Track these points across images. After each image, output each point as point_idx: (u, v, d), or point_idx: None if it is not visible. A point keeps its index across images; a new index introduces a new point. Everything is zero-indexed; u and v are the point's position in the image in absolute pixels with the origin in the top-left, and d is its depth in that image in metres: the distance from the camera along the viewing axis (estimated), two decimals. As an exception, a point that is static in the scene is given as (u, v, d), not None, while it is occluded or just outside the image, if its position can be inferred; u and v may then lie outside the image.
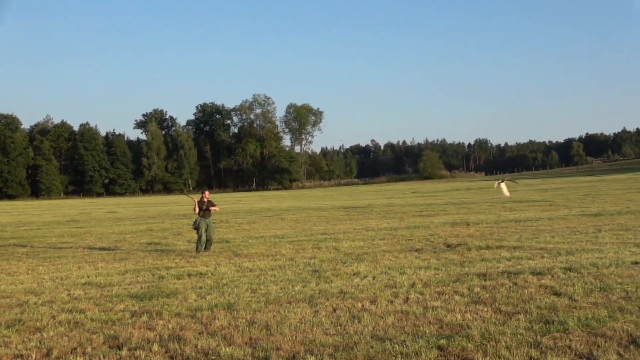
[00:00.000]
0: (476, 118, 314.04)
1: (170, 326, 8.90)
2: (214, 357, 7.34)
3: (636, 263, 12.48)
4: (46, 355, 7.66)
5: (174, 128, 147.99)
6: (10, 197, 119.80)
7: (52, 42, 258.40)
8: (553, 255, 14.13)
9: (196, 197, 18.72)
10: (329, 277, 12.47)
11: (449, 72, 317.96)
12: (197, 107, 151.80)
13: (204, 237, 17.64)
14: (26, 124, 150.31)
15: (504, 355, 6.93)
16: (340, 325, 8.54)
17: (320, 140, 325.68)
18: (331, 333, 8.18)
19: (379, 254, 15.67)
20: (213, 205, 18.26)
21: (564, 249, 15.12)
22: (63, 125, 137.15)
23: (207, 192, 18.68)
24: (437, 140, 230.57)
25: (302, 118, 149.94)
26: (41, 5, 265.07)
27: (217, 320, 9.10)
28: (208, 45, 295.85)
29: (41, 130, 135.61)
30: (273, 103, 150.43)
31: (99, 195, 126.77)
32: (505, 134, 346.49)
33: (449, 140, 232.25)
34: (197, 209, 17.87)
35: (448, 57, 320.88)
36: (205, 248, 17.72)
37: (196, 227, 17.63)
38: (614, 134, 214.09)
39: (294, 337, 8.01)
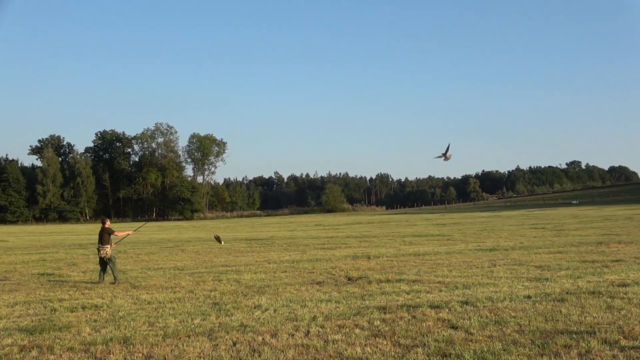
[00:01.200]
0: (378, 153, 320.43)
1: (61, 361, 8.53)
2: (107, 394, 7.06)
3: (529, 297, 12.91)
4: None
5: (71, 155, 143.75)
6: None
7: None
8: (450, 289, 14.44)
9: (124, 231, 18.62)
10: (229, 310, 12.30)
11: (351, 106, 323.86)
12: (96, 134, 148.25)
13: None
14: None
15: (403, 388, 6.98)
16: (240, 360, 8.41)
17: (223, 171, 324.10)
18: (231, 368, 8.03)
19: (280, 287, 15.59)
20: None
21: (460, 282, 15.48)
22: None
23: (108, 221, 18.33)
24: (340, 173, 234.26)
25: (205, 148, 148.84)
26: None
27: (112, 355, 8.81)
28: (109, 71, 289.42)
29: None
30: (176, 132, 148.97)
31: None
32: (406, 169, 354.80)
33: (351, 174, 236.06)
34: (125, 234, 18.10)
35: (349, 91, 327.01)
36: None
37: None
38: (508, 171, 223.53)
39: (192, 372, 7.81)
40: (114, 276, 17.50)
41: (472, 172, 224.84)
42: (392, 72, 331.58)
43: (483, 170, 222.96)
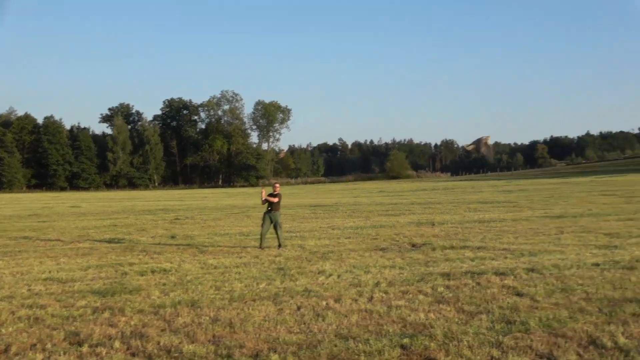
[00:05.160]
0: (443, 119, 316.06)
1: (132, 323, 8.82)
2: (176, 355, 7.28)
3: (597, 265, 12.67)
4: (4, 352, 7.52)
5: (140, 123, 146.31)
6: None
7: (21, 34, 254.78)
8: (516, 256, 14.28)
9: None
10: (294, 275, 12.46)
11: (415, 72, 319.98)
12: (164, 102, 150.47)
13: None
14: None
15: (466, 354, 6.99)
16: (304, 324, 8.54)
17: (288, 138, 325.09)
18: (295, 331, 8.17)
19: (344, 253, 15.70)
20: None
21: (526, 250, 15.29)
22: (27, 117, 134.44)
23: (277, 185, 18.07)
24: (404, 140, 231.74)
25: (270, 115, 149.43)
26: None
27: (180, 318, 9.04)
28: (176, 40, 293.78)
29: (4, 123, 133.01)
30: (241, 99, 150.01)
31: (62, 189, 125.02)
32: (471, 135, 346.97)
33: (415, 140, 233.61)
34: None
35: (415, 57, 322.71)
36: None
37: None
38: (578, 137, 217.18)
39: (257, 335, 7.98)
40: (279, 240, 17.35)
41: (540, 138, 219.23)
42: (458, 35, 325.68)
43: (551, 136, 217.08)
